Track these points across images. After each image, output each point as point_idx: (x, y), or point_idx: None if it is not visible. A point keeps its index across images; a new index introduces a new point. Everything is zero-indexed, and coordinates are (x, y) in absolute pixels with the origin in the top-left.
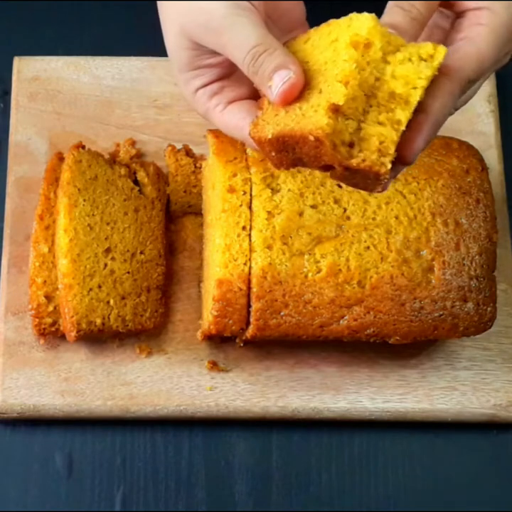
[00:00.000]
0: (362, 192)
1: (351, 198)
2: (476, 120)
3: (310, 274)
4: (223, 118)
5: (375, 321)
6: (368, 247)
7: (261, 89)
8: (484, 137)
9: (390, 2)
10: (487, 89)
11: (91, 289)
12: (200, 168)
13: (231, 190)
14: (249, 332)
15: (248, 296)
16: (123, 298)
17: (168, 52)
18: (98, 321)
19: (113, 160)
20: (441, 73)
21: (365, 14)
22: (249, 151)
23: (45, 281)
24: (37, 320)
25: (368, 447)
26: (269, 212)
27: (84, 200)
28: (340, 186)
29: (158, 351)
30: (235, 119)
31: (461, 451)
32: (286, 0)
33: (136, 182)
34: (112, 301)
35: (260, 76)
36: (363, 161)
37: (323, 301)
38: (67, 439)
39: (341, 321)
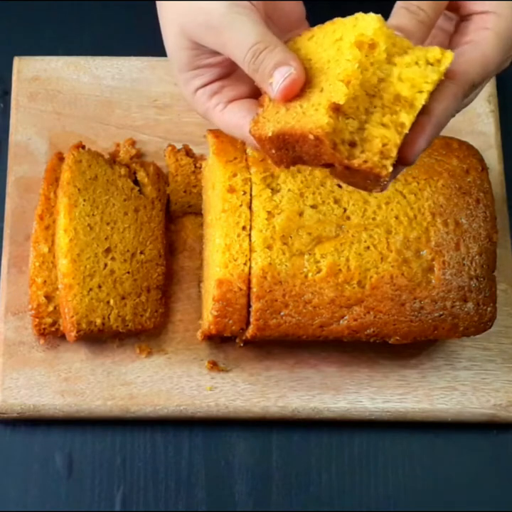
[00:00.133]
0: (362, 192)
1: (351, 198)
2: (476, 120)
3: (310, 274)
4: (223, 117)
5: (375, 321)
6: (368, 247)
7: (262, 87)
8: (484, 137)
9: (397, 3)
10: (487, 89)
11: (91, 289)
12: (200, 168)
13: (231, 190)
14: (249, 332)
15: (248, 296)
16: (123, 298)
17: (168, 52)
18: (98, 321)
19: (113, 160)
20: (446, 76)
21: (372, 15)
22: (249, 151)
23: (45, 281)
24: (37, 320)
25: (368, 447)
26: (269, 212)
27: (84, 200)
28: (340, 186)
29: (158, 351)
30: (235, 118)
31: (461, 451)
32: (285, 0)
33: (136, 182)
34: (112, 301)
35: (261, 73)
36: (365, 162)
37: (323, 301)
38: (67, 439)
39: (341, 321)
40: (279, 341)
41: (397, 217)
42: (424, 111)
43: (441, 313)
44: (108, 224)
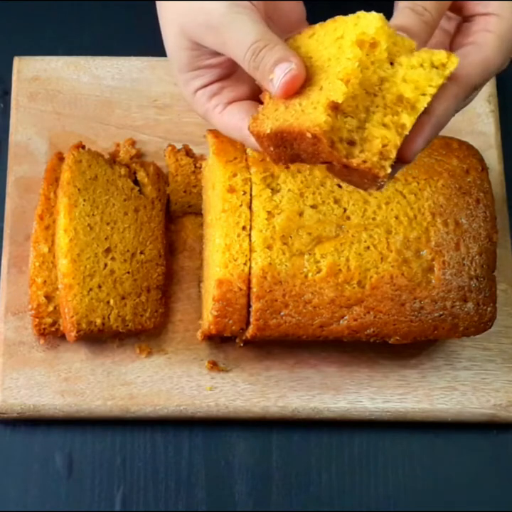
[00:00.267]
0: (362, 192)
1: (351, 198)
2: (476, 120)
3: (310, 274)
4: (222, 119)
5: (375, 321)
6: (368, 247)
7: (262, 85)
8: (484, 137)
9: (401, 3)
10: (487, 89)
11: (91, 289)
12: (200, 168)
13: (231, 190)
14: (249, 332)
15: (248, 296)
16: (123, 298)
17: (168, 53)
18: (98, 321)
19: (113, 160)
20: (448, 78)
21: (374, 13)
22: (249, 151)
23: (45, 281)
24: (37, 320)
25: (368, 447)
26: (269, 212)
27: (84, 200)
28: (340, 186)
29: (158, 351)
30: (234, 119)
31: (461, 451)
32: (286, 0)
33: (136, 182)
34: (112, 301)
35: (261, 71)
36: (364, 162)
37: (323, 301)
38: (67, 439)
39: (341, 321)
40: (279, 341)
41: (397, 217)
42: (425, 111)
43: (441, 313)
44: (108, 224)
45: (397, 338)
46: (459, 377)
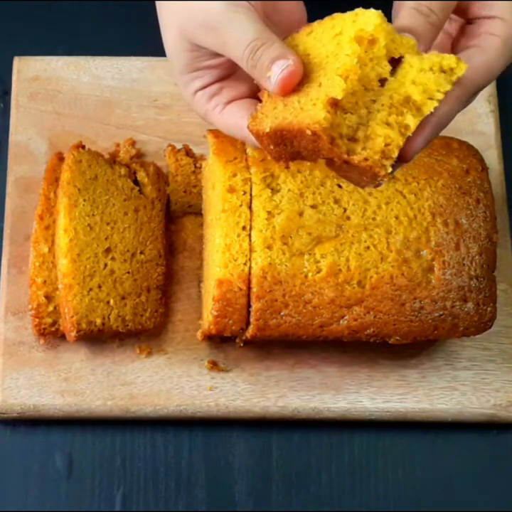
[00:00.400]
0: (362, 192)
1: (351, 198)
2: (476, 120)
3: (310, 274)
4: (222, 118)
5: (375, 321)
6: (368, 247)
7: (260, 83)
8: (484, 137)
9: (406, 3)
10: (487, 89)
11: (91, 289)
12: (200, 168)
13: (231, 190)
14: (249, 332)
15: (248, 296)
16: (123, 298)
17: (168, 54)
18: (98, 321)
19: (113, 160)
20: None
21: (372, 10)
22: (249, 151)
23: (45, 281)
24: (37, 320)
25: (367, 447)
26: (269, 212)
27: (84, 200)
28: (340, 186)
29: (158, 351)
30: (234, 118)
31: (461, 451)
32: (285, 0)
33: (136, 182)
34: (112, 301)
35: (259, 69)
36: (365, 160)
37: (323, 301)
38: (67, 439)
39: (341, 321)
40: (279, 341)
41: (397, 217)
42: None
43: (441, 313)
44: (108, 224)
45: (397, 338)
46: (459, 377)
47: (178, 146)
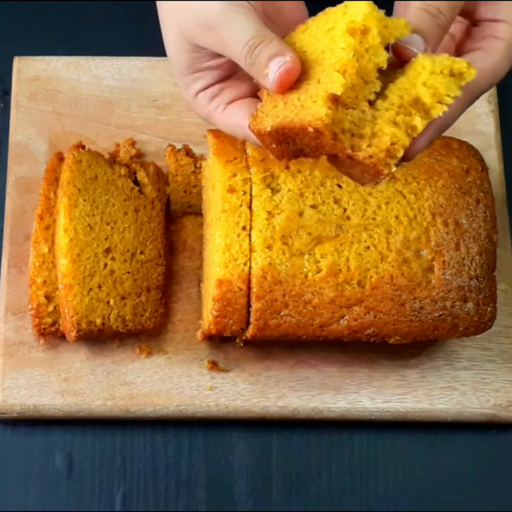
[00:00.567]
0: (362, 192)
1: (351, 198)
2: (476, 120)
3: (310, 274)
4: (224, 118)
5: (375, 321)
6: (368, 247)
7: (258, 80)
8: (484, 137)
9: (413, 3)
10: None
11: (91, 289)
12: (200, 168)
13: (231, 190)
14: (249, 332)
15: (248, 296)
16: (123, 298)
17: (169, 55)
18: (98, 321)
19: (113, 160)
20: None
21: (360, 1)
22: (249, 151)
23: (45, 281)
24: (37, 320)
25: (367, 447)
26: (269, 212)
27: (84, 200)
28: (340, 186)
29: (158, 351)
30: (236, 118)
31: (461, 451)
32: (286, 0)
33: (136, 182)
34: (112, 301)
35: (257, 66)
36: (370, 157)
37: (323, 301)
38: (67, 439)
39: (341, 321)
40: (279, 341)
41: (397, 217)
42: None
43: (441, 313)
44: (108, 224)
45: (397, 338)
46: (459, 377)
47: (178, 146)
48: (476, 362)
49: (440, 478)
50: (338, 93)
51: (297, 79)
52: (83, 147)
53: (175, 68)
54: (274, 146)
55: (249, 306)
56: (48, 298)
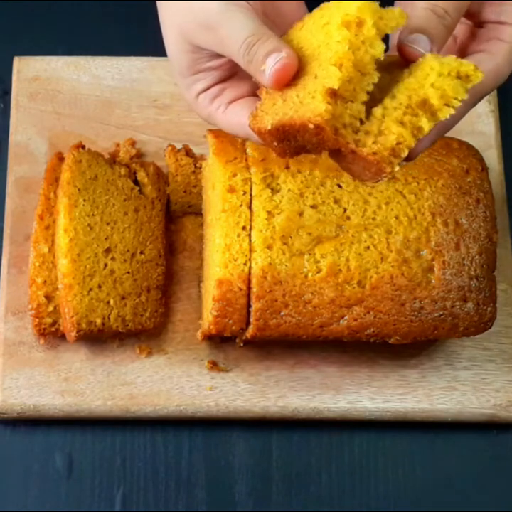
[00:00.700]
0: (362, 192)
1: (351, 198)
2: (476, 120)
3: (310, 274)
4: (225, 118)
5: (375, 321)
6: (368, 247)
7: (256, 77)
8: (484, 137)
9: (419, 3)
10: None
11: (91, 289)
12: (200, 168)
13: (231, 190)
14: (249, 332)
15: (248, 296)
16: (123, 298)
17: (169, 56)
18: (98, 321)
19: (113, 160)
20: None
21: None
22: (249, 151)
23: (45, 281)
24: (37, 320)
25: (367, 447)
26: (269, 212)
27: (84, 200)
28: (340, 186)
29: (158, 351)
30: (237, 117)
31: (461, 451)
32: (285, 0)
33: (136, 182)
34: (112, 301)
35: (254, 63)
36: (374, 154)
37: (323, 301)
38: (67, 439)
39: (341, 321)
40: (279, 341)
41: (397, 217)
42: None
43: (441, 313)
44: (108, 224)
45: (397, 338)
46: (459, 377)
47: (178, 146)
48: (476, 362)
49: (440, 478)
50: (336, 87)
51: (295, 75)
52: (83, 147)
53: (175, 69)
54: (275, 144)
55: (249, 306)
56: (48, 298)
